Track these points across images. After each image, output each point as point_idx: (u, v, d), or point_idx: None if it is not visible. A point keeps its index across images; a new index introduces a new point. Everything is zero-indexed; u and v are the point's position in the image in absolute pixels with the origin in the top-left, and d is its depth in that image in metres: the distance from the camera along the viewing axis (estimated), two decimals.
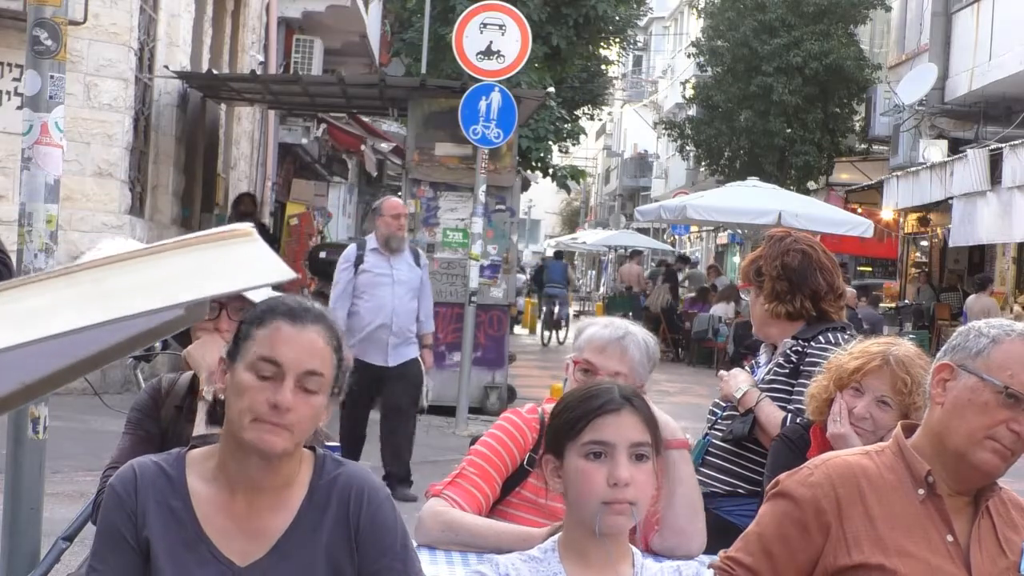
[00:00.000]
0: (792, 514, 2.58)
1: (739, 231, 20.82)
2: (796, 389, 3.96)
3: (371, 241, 8.95)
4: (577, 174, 26.24)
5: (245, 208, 14.65)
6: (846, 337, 3.95)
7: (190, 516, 2.40)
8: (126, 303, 0.79)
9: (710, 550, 3.38)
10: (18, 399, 0.93)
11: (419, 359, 9.01)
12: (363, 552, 2.43)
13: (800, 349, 4.04)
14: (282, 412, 2.29)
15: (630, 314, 22.69)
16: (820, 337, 4.04)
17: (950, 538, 2.55)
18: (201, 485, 2.42)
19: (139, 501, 2.39)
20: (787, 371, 4.05)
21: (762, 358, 4.35)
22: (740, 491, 4.01)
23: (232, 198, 16.66)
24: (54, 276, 0.81)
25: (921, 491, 2.56)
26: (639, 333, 3.44)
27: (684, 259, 27.70)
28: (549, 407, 3.52)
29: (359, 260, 8.81)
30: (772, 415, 3.97)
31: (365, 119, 20.31)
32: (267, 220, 18.38)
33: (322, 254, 14.86)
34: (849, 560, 2.52)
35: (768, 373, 4.13)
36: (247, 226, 0.87)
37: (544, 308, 27.66)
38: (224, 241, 0.83)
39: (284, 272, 0.83)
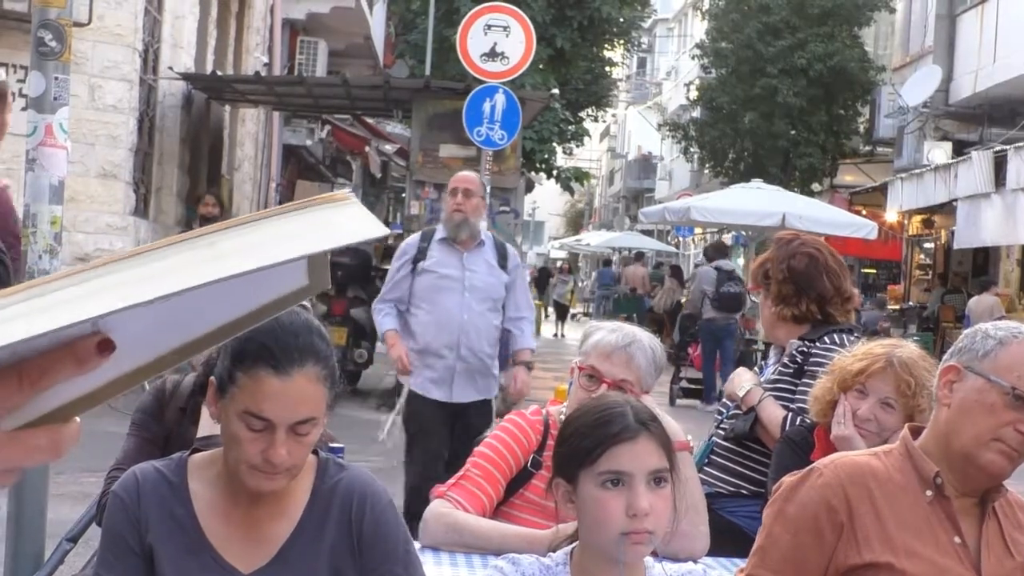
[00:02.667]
0: (806, 519, 2.57)
1: (743, 233, 20.78)
2: (800, 389, 3.97)
3: (440, 229, 6.65)
4: (581, 176, 26.28)
5: (207, 211, 12.09)
6: (852, 339, 3.95)
7: (192, 522, 2.40)
8: (240, 261, 0.85)
9: (714, 551, 3.38)
10: (152, 369, 0.97)
11: (491, 401, 6.71)
12: (365, 557, 2.43)
13: (805, 350, 4.05)
14: (276, 465, 2.29)
15: (635, 316, 22.75)
16: (825, 338, 4.06)
17: (957, 540, 2.55)
18: (203, 491, 2.42)
19: (142, 507, 2.39)
20: (791, 371, 4.06)
21: (771, 359, 4.37)
22: (744, 491, 4.01)
23: (236, 199, 16.65)
24: (163, 245, 0.86)
25: (929, 492, 2.57)
26: (646, 340, 3.42)
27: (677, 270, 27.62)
28: (553, 409, 3.54)
29: (420, 255, 6.53)
30: (774, 414, 3.98)
31: (369, 120, 20.31)
32: None
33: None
34: (860, 559, 2.52)
35: (773, 373, 4.15)
36: (346, 191, 0.93)
37: (600, 306, 30.50)
38: (328, 204, 0.89)
39: (382, 229, 0.89)
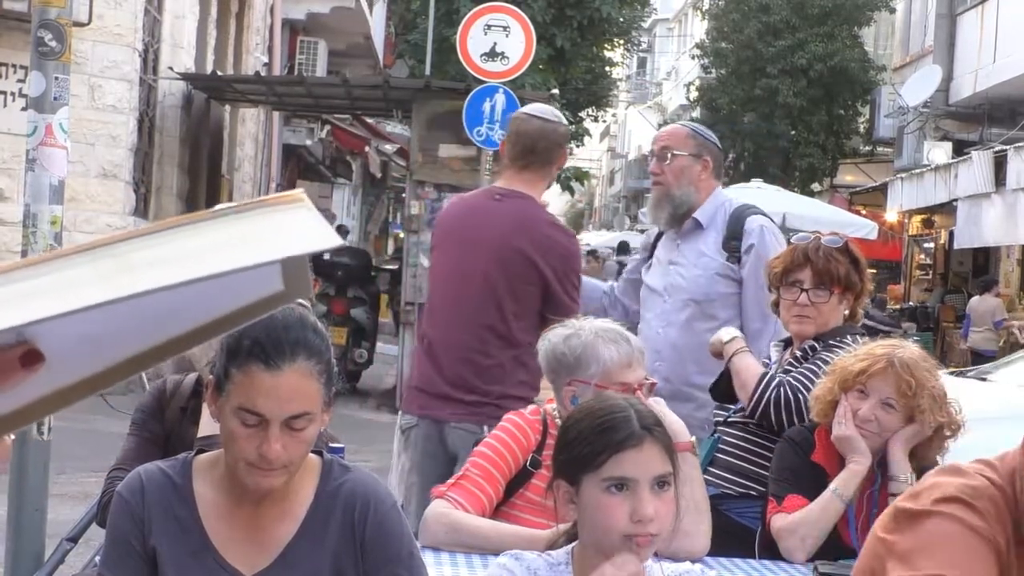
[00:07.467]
0: (968, 549, 2.01)
1: None
2: (800, 371, 3.91)
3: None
4: (581, 176, 26.30)
5: None
6: (863, 341, 3.90)
7: (196, 525, 2.39)
8: (149, 277, 0.73)
9: (720, 552, 3.37)
10: (109, 378, 0.87)
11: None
12: (369, 560, 2.42)
13: (817, 347, 3.96)
14: (271, 460, 2.28)
15: None
16: (839, 339, 3.97)
17: None
18: (207, 493, 2.41)
19: (146, 508, 2.38)
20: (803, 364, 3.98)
21: (772, 355, 4.27)
22: (752, 493, 3.94)
23: (237, 200, 16.61)
24: (71, 253, 0.75)
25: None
26: (618, 327, 3.39)
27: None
28: (551, 408, 3.53)
29: (648, 253, 4.87)
30: (752, 365, 3.93)
31: (369, 121, 20.31)
32: None
33: (325, 255, 14.84)
34: None
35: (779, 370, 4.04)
36: (299, 191, 0.81)
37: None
38: (272, 206, 0.78)
39: (333, 239, 0.79)
